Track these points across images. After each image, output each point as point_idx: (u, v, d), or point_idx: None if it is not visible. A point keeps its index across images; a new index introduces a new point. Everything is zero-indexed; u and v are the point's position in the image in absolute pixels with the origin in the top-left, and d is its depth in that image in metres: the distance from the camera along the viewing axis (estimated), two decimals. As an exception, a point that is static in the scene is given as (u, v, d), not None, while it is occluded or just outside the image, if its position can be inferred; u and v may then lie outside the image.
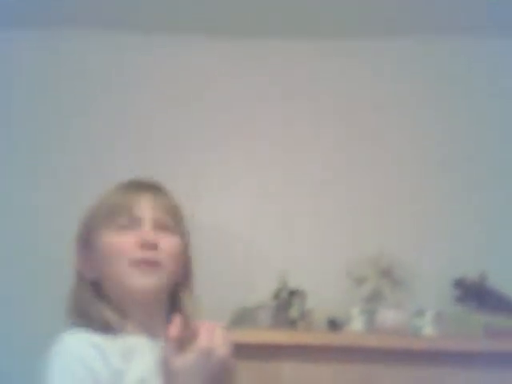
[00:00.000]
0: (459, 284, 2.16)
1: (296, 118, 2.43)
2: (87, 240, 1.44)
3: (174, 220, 1.45)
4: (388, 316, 2.14)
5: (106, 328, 1.34)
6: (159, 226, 1.41)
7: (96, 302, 1.39)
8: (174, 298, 1.45)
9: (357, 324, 2.14)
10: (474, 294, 2.13)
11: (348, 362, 2.05)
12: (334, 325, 2.16)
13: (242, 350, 1.99)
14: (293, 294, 2.19)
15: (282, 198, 2.38)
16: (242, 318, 2.17)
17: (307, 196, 2.38)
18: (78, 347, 1.28)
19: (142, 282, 1.36)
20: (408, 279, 2.23)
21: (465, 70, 2.41)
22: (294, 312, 2.18)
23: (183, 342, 1.26)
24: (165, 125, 2.43)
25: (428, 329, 2.09)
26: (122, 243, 1.38)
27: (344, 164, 2.39)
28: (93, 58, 2.47)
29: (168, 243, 1.39)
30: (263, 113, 2.43)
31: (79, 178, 2.36)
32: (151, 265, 1.36)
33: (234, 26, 2.36)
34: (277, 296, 2.20)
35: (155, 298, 1.40)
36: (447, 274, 2.20)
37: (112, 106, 2.45)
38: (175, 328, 1.16)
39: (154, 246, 1.37)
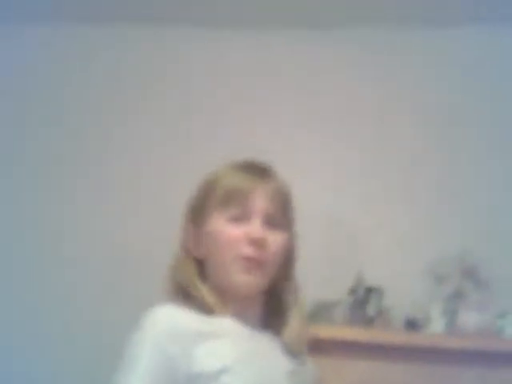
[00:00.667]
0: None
1: (365, 121, 2.40)
2: (198, 217, 1.42)
3: (284, 215, 1.43)
4: (469, 317, 2.07)
5: (203, 308, 1.34)
6: (269, 221, 1.39)
7: (198, 280, 1.39)
8: (272, 288, 1.44)
9: (437, 324, 2.08)
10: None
11: (427, 362, 2.00)
12: (412, 324, 2.11)
13: (318, 346, 2.00)
14: (370, 291, 2.15)
15: (362, 193, 2.34)
16: (319, 312, 2.14)
17: (388, 193, 2.33)
18: (161, 325, 1.28)
19: (245, 278, 1.36)
20: (491, 280, 2.15)
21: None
22: (370, 309, 2.14)
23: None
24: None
25: (511, 330, 2.02)
26: (230, 235, 1.36)
27: (428, 162, 2.33)
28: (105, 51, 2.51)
29: (275, 242, 1.38)
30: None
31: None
32: (256, 264, 1.36)
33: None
34: (353, 292, 2.16)
35: (254, 294, 1.40)
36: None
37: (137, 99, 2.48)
38: None
39: (261, 245, 1.36)
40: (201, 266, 1.42)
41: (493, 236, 2.22)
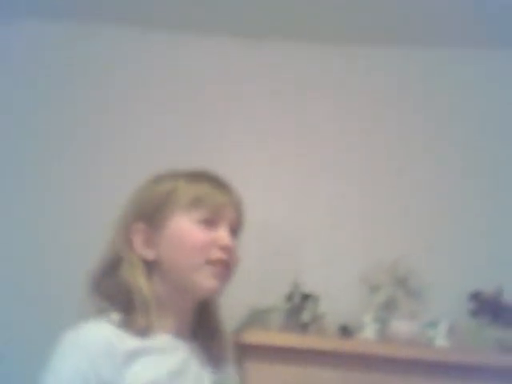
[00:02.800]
0: (474, 297, 2.14)
1: (312, 122, 2.43)
2: (154, 217, 1.39)
3: (241, 230, 1.45)
4: (401, 325, 2.12)
5: (138, 319, 1.30)
6: (232, 231, 1.40)
7: (144, 281, 1.34)
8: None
9: (369, 332, 2.13)
10: (489, 308, 2.11)
11: (357, 369, 2.04)
12: (345, 331, 2.16)
13: (253, 351, 2.03)
14: (306, 297, 2.19)
15: (299, 202, 2.37)
16: (255, 319, 2.16)
17: (325, 202, 2.36)
18: (90, 342, 1.25)
19: (212, 282, 1.35)
20: (423, 289, 2.22)
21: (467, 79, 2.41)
22: (305, 316, 2.17)
23: None
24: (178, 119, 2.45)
25: (441, 340, 2.08)
26: (200, 238, 1.36)
27: (361, 172, 2.38)
28: (106, 52, 2.50)
29: (236, 250, 1.40)
30: (277, 113, 2.44)
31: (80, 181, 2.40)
32: (224, 268, 1.37)
33: (249, 27, 2.38)
34: (290, 299, 2.20)
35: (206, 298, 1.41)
36: (462, 286, 2.19)
37: (127, 101, 2.47)
38: None
39: (231, 253, 1.37)
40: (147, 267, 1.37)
41: (424, 246, 2.27)
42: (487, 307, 2.12)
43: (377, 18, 2.28)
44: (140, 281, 1.35)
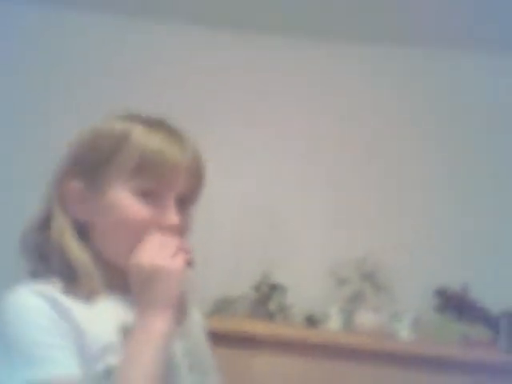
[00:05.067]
0: (440, 294, 2.16)
1: (293, 116, 2.45)
2: (94, 178, 1.18)
3: (197, 195, 1.22)
4: (366, 317, 2.15)
5: (76, 284, 1.13)
6: (183, 201, 1.19)
7: (78, 246, 1.16)
8: None
9: (334, 322, 2.15)
10: (454, 304, 2.13)
11: (322, 358, 2.05)
12: (311, 321, 2.18)
13: (220, 338, 2.03)
14: (273, 287, 2.20)
15: (271, 193, 2.39)
16: (223, 307, 2.17)
17: (296, 194, 2.39)
18: (34, 299, 1.08)
19: None
20: (390, 284, 2.24)
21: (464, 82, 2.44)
22: (272, 305, 2.19)
23: None
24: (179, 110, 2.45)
25: (405, 332, 2.11)
26: (141, 216, 1.15)
27: (334, 166, 2.41)
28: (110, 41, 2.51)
29: (185, 224, 1.18)
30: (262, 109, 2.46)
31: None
32: None
33: (249, 21, 2.41)
34: (258, 288, 2.21)
35: None
36: (428, 282, 2.21)
37: (124, 87, 2.47)
38: None
39: (176, 232, 1.16)
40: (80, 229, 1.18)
41: (392, 242, 2.31)
42: (452, 304, 2.14)
43: (370, 16, 2.31)
44: (71, 245, 1.18)
